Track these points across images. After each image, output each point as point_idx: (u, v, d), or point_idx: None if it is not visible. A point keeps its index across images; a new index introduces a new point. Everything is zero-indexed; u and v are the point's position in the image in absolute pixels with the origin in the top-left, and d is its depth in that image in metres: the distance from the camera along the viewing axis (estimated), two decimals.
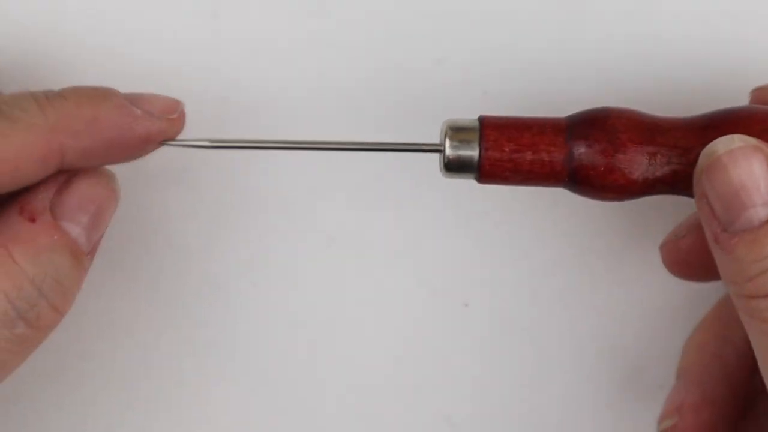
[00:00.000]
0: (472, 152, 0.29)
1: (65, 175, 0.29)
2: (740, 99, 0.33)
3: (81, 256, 0.29)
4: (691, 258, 0.34)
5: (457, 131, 0.29)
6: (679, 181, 0.29)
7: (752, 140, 0.28)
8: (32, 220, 0.28)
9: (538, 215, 0.36)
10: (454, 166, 0.29)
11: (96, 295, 0.36)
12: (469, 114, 0.34)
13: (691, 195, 0.29)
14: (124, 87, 0.34)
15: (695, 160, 0.29)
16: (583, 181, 0.29)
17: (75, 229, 0.29)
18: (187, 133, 0.34)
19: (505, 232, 0.36)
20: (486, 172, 0.29)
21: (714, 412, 0.34)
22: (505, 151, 0.29)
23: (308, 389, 0.37)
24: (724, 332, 0.35)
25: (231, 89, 0.35)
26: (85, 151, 0.29)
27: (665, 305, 0.37)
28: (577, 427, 0.37)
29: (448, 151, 0.29)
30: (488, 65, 0.35)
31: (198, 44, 0.34)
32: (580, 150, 0.29)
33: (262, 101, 0.35)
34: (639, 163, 0.29)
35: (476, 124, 0.30)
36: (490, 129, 0.29)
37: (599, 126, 0.29)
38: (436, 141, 0.30)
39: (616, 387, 0.37)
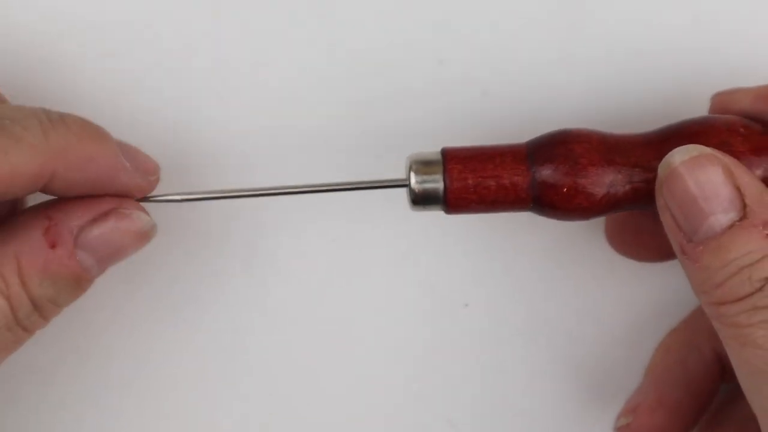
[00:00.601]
0: (437, 185, 0.30)
1: (110, 203, 0.29)
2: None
3: (85, 284, 0.30)
4: (625, 232, 0.35)
5: (421, 165, 0.30)
6: (641, 197, 0.30)
7: (707, 149, 0.28)
8: (53, 246, 0.28)
9: (539, 216, 0.36)
10: (420, 200, 0.30)
11: (94, 294, 0.35)
12: (470, 114, 0.35)
13: (655, 208, 0.29)
14: (125, 87, 0.34)
15: (656, 176, 0.29)
16: (548, 205, 0.30)
17: (89, 261, 0.29)
18: (188, 131, 0.35)
19: (505, 232, 0.36)
20: (452, 203, 0.30)
21: (669, 415, 0.34)
22: (469, 181, 0.30)
23: (308, 391, 0.37)
24: (691, 340, 0.35)
25: (231, 89, 0.35)
26: (71, 182, 0.29)
27: (665, 307, 0.37)
28: (578, 428, 0.37)
29: (414, 186, 0.30)
30: (489, 66, 0.35)
31: (198, 44, 0.34)
32: (542, 175, 0.30)
33: (261, 100, 0.35)
34: (601, 184, 0.29)
35: (439, 157, 0.30)
36: (453, 162, 0.30)
37: (559, 150, 0.30)
38: (402, 176, 0.30)
39: (617, 388, 0.37)
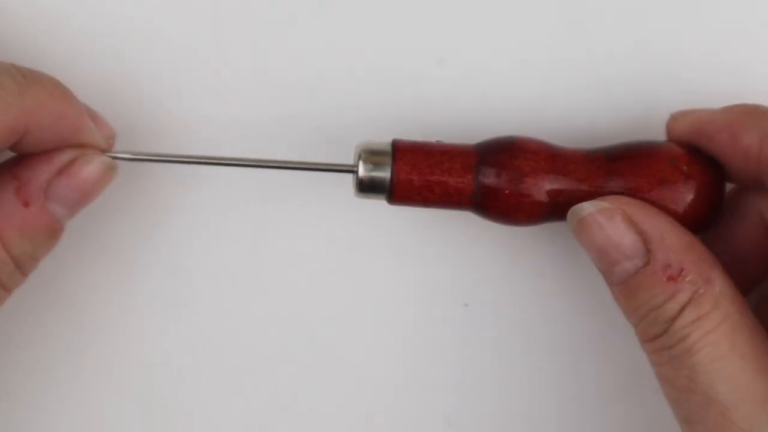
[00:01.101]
0: (384, 174, 0.31)
1: (71, 154, 0.30)
2: None
3: (59, 233, 0.31)
4: None
5: (370, 154, 0.31)
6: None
7: (604, 204, 0.30)
8: (26, 204, 0.29)
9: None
10: (366, 187, 0.31)
11: (95, 292, 0.36)
12: (470, 114, 0.34)
13: None
14: (124, 86, 0.34)
15: (596, 189, 0.30)
16: (489, 205, 0.31)
17: (61, 211, 0.30)
18: (188, 130, 0.35)
19: (505, 232, 0.36)
20: (397, 194, 0.31)
21: None
22: (415, 174, 0.31)
23: (307, 389, 0.37)
24: None
25: (231, 88, 0.35)
26: (40, 139, 0.29)
27: None
28: (576, 427, 0.37)
29: (361, 173, 0.31)
30: (489, 66, 0.35)
31: (198, 43, 0.34)
32: (487, 176, 0.30)
33: (261, 100, 0.35)
34: (542, 190, 0.30)
35: (389, 147, 0.31)
36: (401, 152, 0.31)
37: (506, 154, 0.31)
38: (350, 162, 0.31)
39: (616, 389, 0.37)
